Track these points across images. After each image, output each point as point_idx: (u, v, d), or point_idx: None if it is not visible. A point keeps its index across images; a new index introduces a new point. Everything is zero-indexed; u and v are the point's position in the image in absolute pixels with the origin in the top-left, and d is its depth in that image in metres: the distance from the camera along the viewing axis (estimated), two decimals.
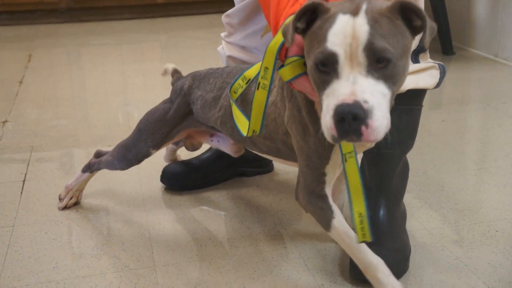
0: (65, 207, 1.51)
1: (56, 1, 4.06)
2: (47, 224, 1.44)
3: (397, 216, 1.29)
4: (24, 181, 1.69)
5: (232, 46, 1.54)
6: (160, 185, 1.63)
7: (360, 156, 1.33)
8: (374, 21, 0.87)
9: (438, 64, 1.28)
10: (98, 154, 1.52)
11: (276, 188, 1.62)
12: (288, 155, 1.19)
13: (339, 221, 1.09)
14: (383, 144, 1.24)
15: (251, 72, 1.17)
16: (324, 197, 1.10)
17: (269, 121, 1.15)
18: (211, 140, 1.46)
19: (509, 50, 2.80)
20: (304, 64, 0.97)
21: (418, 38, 1.20)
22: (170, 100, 1.39)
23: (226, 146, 1.44)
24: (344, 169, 1.03)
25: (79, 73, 2.99)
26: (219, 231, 1.40)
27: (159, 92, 2.53)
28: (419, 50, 1.25)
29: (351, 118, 0.84)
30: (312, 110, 1.05)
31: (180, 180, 1.60)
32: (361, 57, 0.86)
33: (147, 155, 1.41)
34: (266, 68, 1.00)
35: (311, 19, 0.93)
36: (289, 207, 1.50)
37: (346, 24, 0.87)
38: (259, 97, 1.04)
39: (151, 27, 4.00)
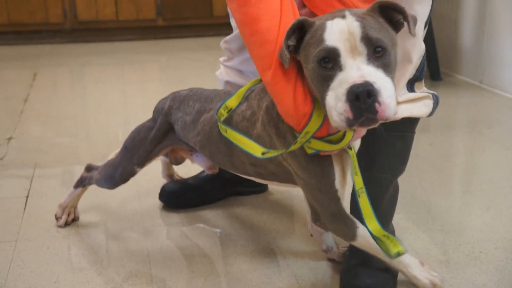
0: (66, 224, 1.54)
1: (61, 22, 4.15)
2: (49, 239, 1.48)
3: None
4: (27, 196, 1.73)
5: (230, 71, 1.60)
6: (158, 202, 1.67)
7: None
8: (362, 18, 0.97)
9: (432, 94, 1.32)
10: (89, 168, 1.55)
11: (271, 207, 1.66)
12: (284, 178, 1.24)
13: (363, 229, 1.15)
14: (375, 168, 1.30)
15: (232, 102, 1.22)
16: (344, 213, 1.16)
17: None
18: (191, 155, 1.49)
19: (494, 77, 2.86)
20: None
21: (414, 67, 1.25)
22: (153, 119, 1.44)
23: (202, 162, 1.47)
24: (358, 203, 1.11)
25: (81, 92, 3.04)
26: (214, 248, 1.44)
27: None
28: (415, 79, 1.29)
29: (366, 95, 0.92)
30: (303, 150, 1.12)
31: (178, 199, 1.64)
32: (360, 47, 0.95)
33: (132, 173, 1.44)
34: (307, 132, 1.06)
35: (300, 37, 1.02)
36: (283, 226, 1.54)
37: (338, 24, 0.97)
38: None
39: (152, 49, 4.06)
